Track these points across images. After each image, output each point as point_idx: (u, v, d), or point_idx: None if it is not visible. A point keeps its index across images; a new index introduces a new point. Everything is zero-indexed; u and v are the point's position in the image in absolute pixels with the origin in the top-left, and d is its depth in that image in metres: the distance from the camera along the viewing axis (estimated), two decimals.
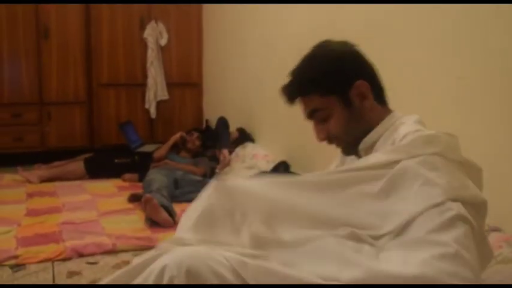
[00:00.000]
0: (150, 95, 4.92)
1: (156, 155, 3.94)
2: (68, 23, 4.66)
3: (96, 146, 4.83)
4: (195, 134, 4.11)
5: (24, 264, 2.32)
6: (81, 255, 2.40)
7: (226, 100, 4.80)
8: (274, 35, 3.85)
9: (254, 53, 4.19)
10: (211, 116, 5.08)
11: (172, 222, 2.80)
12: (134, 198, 3.32)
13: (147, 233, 2.69)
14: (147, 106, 4.95)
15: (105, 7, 4.73)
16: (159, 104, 5.00)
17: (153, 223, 2.80)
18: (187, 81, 5.17)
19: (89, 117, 4.86)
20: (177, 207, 3.03)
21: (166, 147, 4.00)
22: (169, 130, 5.07)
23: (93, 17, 4.72)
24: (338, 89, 1.13)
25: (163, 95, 4.98)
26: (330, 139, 1.20)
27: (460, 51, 2.13)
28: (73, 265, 2.32)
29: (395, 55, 2.54)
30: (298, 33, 3.55)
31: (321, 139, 1.20)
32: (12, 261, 2.33)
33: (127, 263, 2.31)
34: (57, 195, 3.58)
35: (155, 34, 4.88)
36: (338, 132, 1.16)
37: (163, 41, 4.92)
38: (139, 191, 3.59)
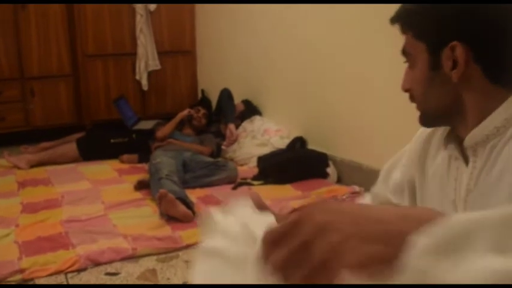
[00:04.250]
0: (140, 65, 4.44)
1: (160, 134, 3.53)
2: None
3: (85, 122, 4.37)
4: (202, 111, 3.70)
5: (32, 279, 1.95)
6: (97, 263, 2.04)
7: (225, 69, 4.37)
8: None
9: (261, 18, 3.74)
10: (207, 85, 4.65)
11: (192, 216, 2.45)
12: (141, 186, 2.94)
13: (167, 230, 2.33)
14: (138, 77, 4.48)
15: None
16: (151, 74, 4.53)
17: (171, 217, 2.44)
18: (179, 49, 4.69)
19: (75, 92, 4.37)
20: (189, 194, 2.68)
21: (172, 125, 3.58)
22: (163, 102, 4.67)
23: None
24: (430, 39, 0.84)
25: (155, 64, 4.51)
26: (411, 95, 0.90)
27: None
28: (90, 277, 1.96)
29: None
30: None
31: (403, 88, 0.91)
32: (18, 277, 1.96)
33: (152, 272, 1.97)
34: (52, 183, 3.17)
35: None
36: (416, 90, 0.88)
37: (152, 6, 4.41)
38: (143, 174, 3.23)
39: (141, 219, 2.49)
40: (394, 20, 0.90)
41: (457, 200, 0.86)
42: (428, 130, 0.97)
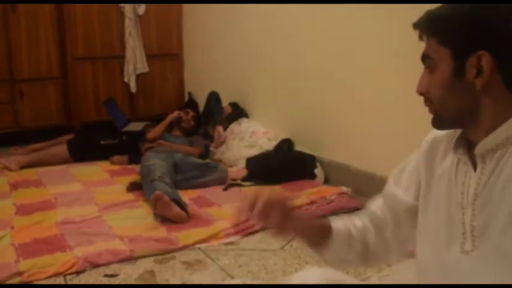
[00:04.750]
0: (129, 68, 4.40)
1: (151, 135, 3.51)
2: None
3: (74, 124, 4.31)
4: (191, 113, 3.69)
5: (31, 282, 1.93)
6: (95, 265, 2.03)
7: (212, 71, 4.37)
8: (276, 6, 3.43)
9: (249, 20, 3.75)
10: (194, 88, 4.65)
11: (186, 217, 2.45)
12: (133, 187, 2.92)
13: (163, 232, 2.32)
14: (126, 80, 4.44)
15: None
16: (139, 77, 4.49)
17: (165, 218, 2.44)
18: (167, 52, 4.67)
19: (64, 94, 4.30)
20: (181, 195, 2.67)
21: (162, 127, 3.56)
22: (151, 105, 4.64)
23: None
24: (456, 46, 0.85)
25: (143, 67, 4.47)
26: (426, 98, 0.92)
27: None
28: (89, 279, 1.95)
29: None
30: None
31: (418, 91, 0.92)
32: (17, 279, 1.93)
33: (151, 273, 1.97)
34: (43, 184, 3.12)
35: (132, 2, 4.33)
36: (435, 94, 0.89)
37: (141, 10, 4.38)
38: (134, 175, 3.21)
39: (136, 220, 2.47)
40: (417, 26, 0.91)
41: (465, 203, 0.89)
42: (436, 133, 0.98)
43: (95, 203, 2.73)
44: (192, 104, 4.28)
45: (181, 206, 2.49)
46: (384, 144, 2.71)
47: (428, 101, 0.91)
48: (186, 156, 3.23)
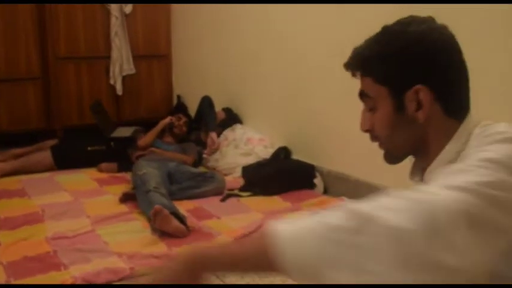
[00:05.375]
0: (115, 70, 4.27)
1: (142, 143, 3.39)
2: None
3: (55, 127, 4.16)
4: (183, 119, 3.59)
5: None
6: (93, 285, 1.93)
7: (202, 74, 4.28)
8: (272, 6, 3.36)
9: (244, 20, 3.67)
10: (183, 91, 4.54)
11: (186, 231, 2.37)
12: (127, 198, 2.82)
13: (163, 247, 2.23)
14: (112, 82, 4.31)
15: None
16: (125, 79, 4.37)
17: (163, 232, 2.35)
18: (154, 53, 4.55)
19: (45, 95, 4.15)
20: (178, 207, 2.57)
21: (154, 134, 3.45)
22: (137, 108, 4.52)
23: None
24: (393, 83, 0.87)
25: (130, 69, 4.35)
26: (372, 135, 0.94)
27: None
28: None
29: None
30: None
31: (363, 129, 0.94)
32: None
33: None
34: (28, 195, 2.98)
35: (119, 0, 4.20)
36: (381, 133, 0.91)
37: (128, 8, 4.25)
38: (124, 184, 3.12)
39: (133, 235, 2.37)
40: (349, 67, 0.92)
41: None
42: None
43: (86, 216, 2.62)
44: (182, 108, 4.18)
45: (180, 218, 2.40)
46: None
47: (375, 138, 0.93)
48: (180, 165, 3.14)
